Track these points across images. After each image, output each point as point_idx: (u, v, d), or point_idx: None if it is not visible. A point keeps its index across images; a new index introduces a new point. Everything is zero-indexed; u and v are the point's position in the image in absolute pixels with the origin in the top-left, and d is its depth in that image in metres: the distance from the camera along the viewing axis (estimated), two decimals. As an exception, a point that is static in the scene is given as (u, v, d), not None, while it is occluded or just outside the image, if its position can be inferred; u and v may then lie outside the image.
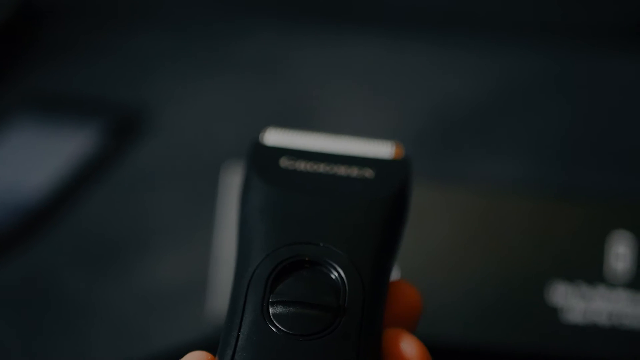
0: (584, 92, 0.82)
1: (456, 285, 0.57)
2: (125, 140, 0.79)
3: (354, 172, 0.39)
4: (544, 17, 0.87)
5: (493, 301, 0.57)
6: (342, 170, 0.39)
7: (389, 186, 0.38)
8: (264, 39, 0.87)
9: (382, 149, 0.40)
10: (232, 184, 0.59)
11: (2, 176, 0.76)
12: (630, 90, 0.81)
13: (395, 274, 0.39)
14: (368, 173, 0.39)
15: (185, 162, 0.77)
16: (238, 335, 0.34)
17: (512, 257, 0.57)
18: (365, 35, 0.86)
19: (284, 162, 0.39)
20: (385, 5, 0.88)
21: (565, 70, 0.83)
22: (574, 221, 0.57)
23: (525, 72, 0.82)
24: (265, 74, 0.84)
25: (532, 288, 0.57)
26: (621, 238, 0.57)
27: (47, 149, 0.78)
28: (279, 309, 0.34)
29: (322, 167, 0.39)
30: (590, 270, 0.57)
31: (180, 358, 0.35)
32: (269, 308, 0.34)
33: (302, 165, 0.39)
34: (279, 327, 0.34)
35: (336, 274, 0.35)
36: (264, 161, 0.39)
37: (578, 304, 0.57)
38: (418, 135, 0.77)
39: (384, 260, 0.37)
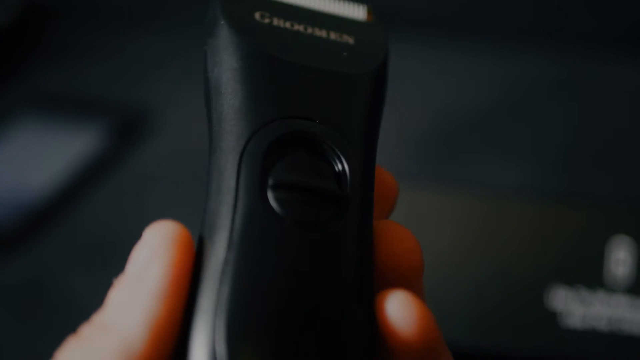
0: (586, 99, 0.82)
1: (456, 289, 0.57)
2: (128, 141, 0.80)
3: (334, 35, 0.35)
4: (547, 23, 0.87)
5: (493, 305, 0.57)
6: (322, 32, 0.35)
7: (374, 56, 0.35)
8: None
9: (355, 11, 0.36)
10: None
11: (5, 176, 0.76)
12: (633, 97, 0.81)
13: None
14: (348, 38, 0.35)
15: (186, 164, 0.77)
16: (233, 219, 0.30)
17: (513, 262, 0.57)
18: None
19: (259, 16, 0.34)
20: (390, 9, 0.89)
21: (568, 76, 0.83)
22: (574, 226, 0.57)
23: (528, 77, 0.83)
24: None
25: (532, 292, 0.57)
26: (621, 243, 0.57)
27: (50, 149, 0.78)
28: (281, 192, 0.30)
29: (300, 26, 0.34)
30: (590, 275, 0.57)
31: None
32: (267, 189, 0.30)
33: (279, 22, 0.34)
34: (282, 211, 0.30)
35: (337, 158, 0.32)
36: (237, 11, 0.34)
37: (578, 308, 0.57)
38: (421, 138, 0.77)
39: (376, 141, 0.33)
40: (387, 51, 0.35)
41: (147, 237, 0.32)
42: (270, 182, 0.30)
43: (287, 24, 0.34)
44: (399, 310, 0.29)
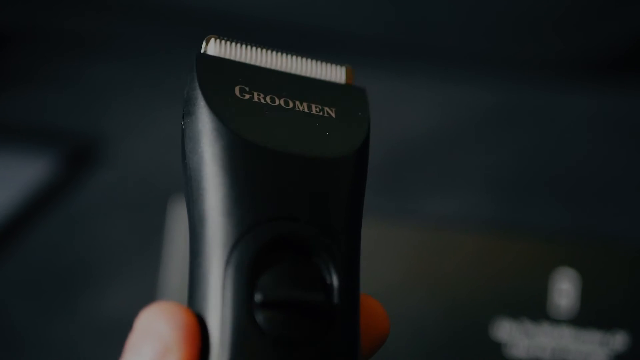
0: (532, 127, 0.82)
1: (400, 321, 0.57)
2: (79, 170, 0.79)
3: (315, 109, 0.33)
4: (496, 50, 0.88)
5: (438, 336, 0.57)
6: (303, 106, 0.33)
7: (357, 132, 0.32)
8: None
9: (335, 73, 0.34)
10: (179, 217, 0.59)
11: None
12: (580, 126, 0.82)
13: None
14: (330, 111, 0.33)
15: (136, 193, 0.77)
16: (222, 336, 0.29)
17: (457, 293, 0.57)
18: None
19: (239, 91, 0.32)
20: (341, 37, 0.89)
21: (514, 105, 0.83)
22: (518, 258, 0.58)
23: (474, 106, 0.83)
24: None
25: (477, 323, 0.57)
26: (565, 275, 0.57)
27: (0, 177, 0.78)
28: (269, 310, 0.29)
29: (281, 100, 0.32)
30: (534, 307, 0.57)
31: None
32: (254, 306, 0.29)
33: (259, 97, 0.32)
34: (268, 329, 0.29)
35: (324, 264, 0.30)
36: (217, 86, 0.32)
37: (522, 339, 0.57)
38: (369, 171, 0.77)
39: (359, 229, 0.32)
40: (369, 122, 0.33)
41: (152, 324, 0.29)
42: (258, 299, 0.29)
43: (268, 99, 0.32)
44: None
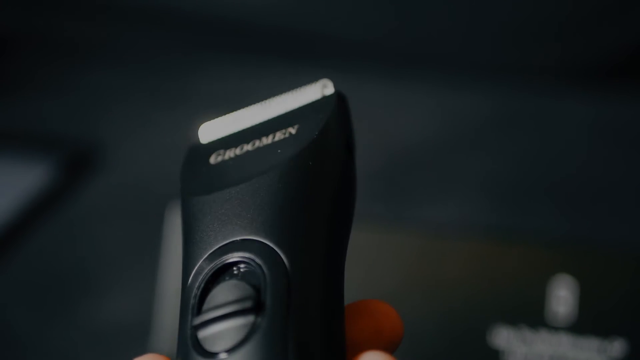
0: (532, 134, 0.82)
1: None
2: (77, 176, 0.79)
3: (279, 135, 0.34)
4: (493, 57, 0.88)
5: (436, 343, 0.57)
6: (268, 138, 0.34)
7: (307, 135, 0.34)
8: (220, 74, 0.87)
9: (311, 92, 0.35)
10: (178, 223, 0.59)
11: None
12: (579, 134, 0.82)
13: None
14: (292, 129, 0.34)
15: (134, 199, 0.77)
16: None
17: (455, 300, 0.57)
18: (322, 71, 0.86)
19: (214, 158, 0.35)
20: (342, 42, 0.89)
21: (514, 111, 0.83)
22: (516, 264, 0.58)
23: (474, 112, 0.83)
24: (220, 110, 0.84)
25: (474, 331, 0.57)
26: (563, 282, 0.57)
27: (-1, 183, 0.78)
28: (202, 332, 0.31)
29: (249, 144, 0.35)
30: (532, 314, 0.57)
31: None
32: (195, 333, 0.31)
33: (231, 152, 0.35)
34: (206, 350, 0.30)
35: (257, 267, 0.31)
36: (194, 167, 0.36)
37: (520, 346, 0.57)
38: (367, 176, 0.77)
39: (318, 236, 0.32)
40: (323, 125, 0.34)
41: None
42: (194, 323, 0.31)
43: (237, 150, 0.35)
44: None
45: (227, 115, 0.37)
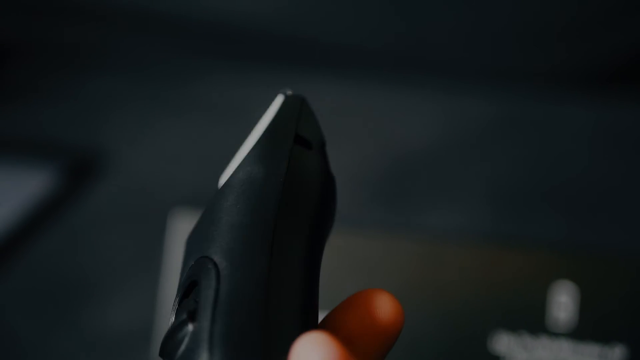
0: (533, 139, 0.82)
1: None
2: (79, 183, 0.79)
3: (245, 155, 0.35)
4: (495, 62, 0.88)
5: (437, 349, 0.57)
6: (238, 161, 0.36)
7: (251, 146, 0.35)
8: (221, 80, 0.88)
9: (275, 105, 0.36)
10: (179, 230, 0.59)
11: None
12: (580, 139, 0.82)
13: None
14: (251, 142, 0.35)
15: (136, 206, 0.77)
16: None
17: (456, 306, 0.57)
18: (323, 78, 0.86)
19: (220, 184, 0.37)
20: (343, 49, 0.89)
21: (515, 116, 0.83)
22: (517, 270, 0.58)
23: (475, 118, 0.83)
24: (221, 116, 0.85)
25: (475, 336, 0.57)
26: (563, 288, 0.57)
27: (1, 191, 0.78)
28: (165, 346, 0.33)
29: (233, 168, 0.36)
30: (532, 319, 0.57)
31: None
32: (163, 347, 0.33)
33: (225, 178, 0.36)
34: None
35: (197, 279, 0.33)
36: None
37: (520, 352, 0.57)
38: (364, 181, 0.77)
39: (252, 240, 0.32)
40: (267, 128, 0.35)
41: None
42: (161, 341, 0.33)
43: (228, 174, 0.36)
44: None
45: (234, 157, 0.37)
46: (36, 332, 0.68)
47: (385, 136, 0.82)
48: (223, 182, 0.37)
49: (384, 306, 0.33)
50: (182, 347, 0.31)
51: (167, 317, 0.59)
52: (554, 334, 0.57)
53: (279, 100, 0.36)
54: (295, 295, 0.32)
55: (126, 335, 0.67)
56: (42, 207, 0.77)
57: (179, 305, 0.33)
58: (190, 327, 0.31)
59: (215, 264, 0.32)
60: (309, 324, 0.32)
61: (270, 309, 0.31)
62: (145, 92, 0.87)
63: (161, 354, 0.33)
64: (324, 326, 0.33)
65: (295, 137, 0.35)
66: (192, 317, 0.31)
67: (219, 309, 0.31)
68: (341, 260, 0.57)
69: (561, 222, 0.74)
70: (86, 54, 0.92)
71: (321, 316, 0.33)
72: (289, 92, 0.36)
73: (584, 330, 0.57)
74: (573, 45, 0.87)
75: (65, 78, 0.90)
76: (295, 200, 0.33)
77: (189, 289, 0.33)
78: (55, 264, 0.73)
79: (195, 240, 0.34)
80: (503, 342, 0.57)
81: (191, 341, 0.31)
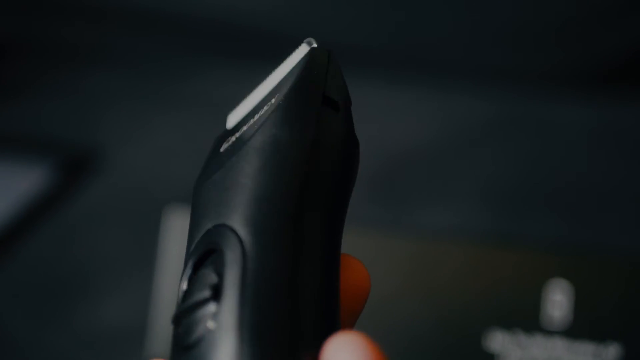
0: (530, 139, 0.82)
1: (394, 331, 0.57)
2: (75, 179, 0.79)
3: (264, 110, 0.32)
4: (491, 61, 0.88)
5: (431, 347, 0.57)
6: (255, 116, 0.33)
7: (276, 103, 0.31)
8: (218, 78, 0.88)
9: (298, 54, 0.33)
10: (174, 227, 0.59)
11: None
12: (578, 138, 0.82)
13: None
14: (274, 99, 0.32)
15: (132, 203, 0.77)
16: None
17: (450, 304, 0.57)
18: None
19: (224, 146, 0.33)
20: (342, 47, 0.89)
21: (513, 116, 0.83)
22: (511, 269, 0.58)
23: (473, 117, 0.83)
24: (217, 114, 0.85)
25: (470, 334, 0.57)
26: (558, 286, 0.57)
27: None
28: (177, 327, 0.30)
29: (246, 126, 0.33)
30: (527, 318, 0.57)
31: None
32: (173, 329, 0.30)
33: (233, 138, 0.33)
34: (179, 345, 0.29)
35: (220, 253, 0.29)
36: (208, 157, 0.34)
37: (515, 350, 0.57)
38: (365, 180, 0.77)
39: (282, 211, 0.29)
40: (293, 84, 0.32)
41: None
42: (170, 321, 0.30)
43: (238, 134, 0.33)
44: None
45: (246, 97, 0.35)
46: (30, 328, 0.68)
47: (382, 135, 0.82)
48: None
49: (356, 271, 0.32)
50: (201, 327, 0.28)
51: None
52: (548, 333, 0.57)
53: (302, 51, 0.33)
54: (322, 287, 0.30)
55: (121, 332, 0.67)
56: (37, 203, 0.77)
57: (193, 273, 0.30)
58: (212, 306, 0.28)
59: (239, 238, 0.29)
60: (336, 319, 0.30)
61: (300, 301, 0.29)
62: (142, 89, 0.87)
63: (175, 324, 0.30)
64: None
65: (322, 98, 0.32)
66: (216, 294, 0.28)
67: (248, 292, 0.28)
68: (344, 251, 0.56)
69: (556, 221, 0.74)
70: (83, 51, 0.92)
71: None
72: (314, 44, 0.33)
73: (579, 328, 0.57)
74: (572, 45, 0.87)
75: (61, 75, 0.90)
76: (324, 172, 0.31)
77: (204, 256, 0.30)
78: (49, 260, 0.73)
79: (211, 198, 0.31)
80: (498, 341, 0.57)
81: (215, 323, 0.28)
